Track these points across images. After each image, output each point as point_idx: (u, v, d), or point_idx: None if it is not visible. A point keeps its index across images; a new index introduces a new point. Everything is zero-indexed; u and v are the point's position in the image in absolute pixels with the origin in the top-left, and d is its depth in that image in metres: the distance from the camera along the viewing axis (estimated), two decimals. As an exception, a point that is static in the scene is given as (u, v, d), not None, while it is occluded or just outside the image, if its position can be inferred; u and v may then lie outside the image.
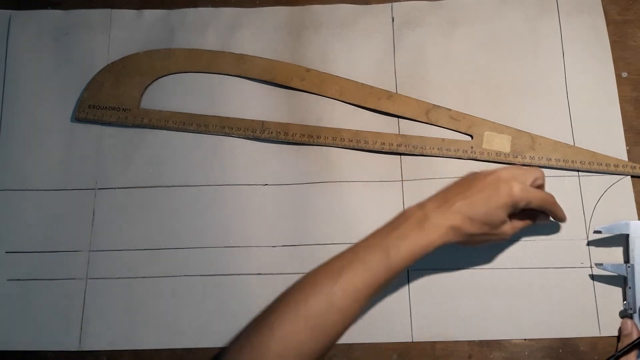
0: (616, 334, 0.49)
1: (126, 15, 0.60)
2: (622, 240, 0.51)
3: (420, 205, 0.46)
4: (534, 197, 0.45)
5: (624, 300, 0.49)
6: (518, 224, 0.48)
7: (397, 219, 0.46)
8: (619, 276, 0.50)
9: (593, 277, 0.51)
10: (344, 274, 0.42)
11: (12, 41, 0.59)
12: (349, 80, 0.57)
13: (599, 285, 0.50)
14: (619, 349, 0.47)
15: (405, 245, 0.43)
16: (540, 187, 0.48)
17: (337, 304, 0.42)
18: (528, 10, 0.58)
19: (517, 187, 0.45)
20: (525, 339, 0.50)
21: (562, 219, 0.50)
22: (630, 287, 0.49)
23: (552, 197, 0.48)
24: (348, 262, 0.43)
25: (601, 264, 0.50)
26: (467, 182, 0.46)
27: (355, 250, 0.44)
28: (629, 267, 0.49)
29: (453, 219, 0.44)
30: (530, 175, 0.46)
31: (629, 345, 0.46)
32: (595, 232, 0.51)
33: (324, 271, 0.43)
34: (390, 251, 0.43)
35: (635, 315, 0.48)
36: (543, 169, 0.53)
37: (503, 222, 0.46)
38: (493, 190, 0.44)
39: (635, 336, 0.47)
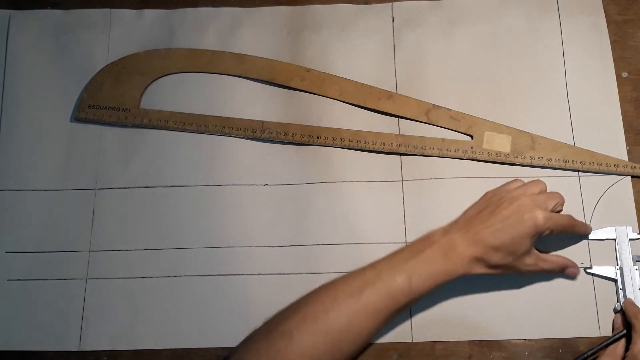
0: (616, 334, 0.49)
1: (126, 15, 0.60)
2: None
3: (445, 231, 0.46)
4: (556, 225, 0.45)
5: (617, 302, 0.50)
6: (545, 265, 0.47)
7: (421, 242, 0.45)
8: (616, 277, 0.50)
9: (593, 277, 0.51)
10: (365, 293, 0.42)
11: (12, 41, 0.58)
12: (349, 80, 0.57)
13: (599, 285, 0.50)
14: (605, 341, 0.47)
15: (428, 272, 0.43)
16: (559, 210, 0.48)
17: (356, 324, 0.42)
18: (528, 10, 0.58)
19: (540, 215, 0.44)
20: (525, 339, 0.50)
21: (586, 233, 0.50)
22: (621, 289, 0.49)
23: (572, 218, 0.48)
24: (370, 281, 0.43)
25: (590, 268, 0.50)
26: (489, 208, 0.46)
27: (377, 270, 0.44)
28: (617, 269, 0.50)
29: (477, 250, 0.44)
30: (551, 201, 0.46)
31: (611, 337, 0.47)
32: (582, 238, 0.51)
33: (345, 287, 0.43)
34: (413, 276, 0.43)
35: None
36: (543, 169, 0.53)
37: (527, 252, 0.46)
38: (517, 219, 0.44)
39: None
